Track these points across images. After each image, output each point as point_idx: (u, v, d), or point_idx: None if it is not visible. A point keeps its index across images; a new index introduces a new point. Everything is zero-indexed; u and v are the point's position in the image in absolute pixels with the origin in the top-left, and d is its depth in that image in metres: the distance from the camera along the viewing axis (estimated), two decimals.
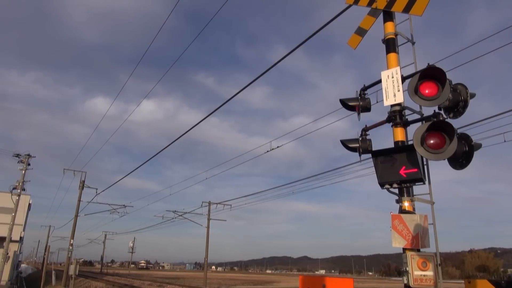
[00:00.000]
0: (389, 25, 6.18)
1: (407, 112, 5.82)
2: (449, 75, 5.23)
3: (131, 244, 71.72)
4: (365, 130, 6.21)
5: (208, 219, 40.68)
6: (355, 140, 6.17)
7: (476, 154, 5.21)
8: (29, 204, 40.29)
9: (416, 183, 5.34)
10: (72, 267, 30.74)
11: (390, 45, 6.05)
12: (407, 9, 5.87)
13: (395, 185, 5.42)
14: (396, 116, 5.67)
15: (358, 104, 6.26)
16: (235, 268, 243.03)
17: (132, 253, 72.36)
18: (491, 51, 8.08)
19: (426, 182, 5.43)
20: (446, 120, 5.24)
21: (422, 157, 5.24)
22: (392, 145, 5.69)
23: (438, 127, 5.02)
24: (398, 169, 5.31)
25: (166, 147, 14.60)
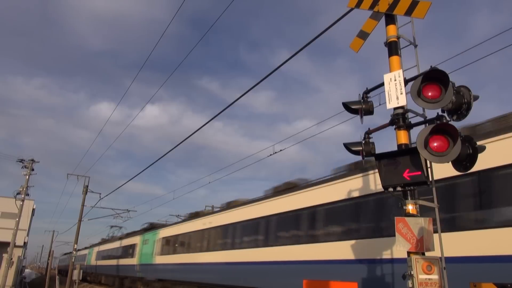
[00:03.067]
0: (391, 28, 6.18)
1: (410, 115, 5.80)
2: (452, 77, 5.23)
3: None
4: (368, 133, 6.20)
5: None
6: (358, 143, 6.16)
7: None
8: (33, 209, 40.40)
9: (420, 186, 5.32)
10: (75, 272, 30.76)
11: (393, 48, 6.05)
12: (409, 12, 5.88)
13: (398, 188, 5.41)
14: (399, 119, 5.66)
15: (361, 107, 6.26)
16: None
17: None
18: (493, 52, 8.06)
19: (430, 185, 5.40)
20: (449, 122, 5.22)
21: (425, 160, 5.22)
22: (395, 148, 5.68)
23: (441, 130, 5.01)
24: (402, 172, 5.29)
25: (169, 151, 14.64)
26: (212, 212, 19.27)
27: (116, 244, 35.16)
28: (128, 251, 30.37)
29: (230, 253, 15.65)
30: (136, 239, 29.09)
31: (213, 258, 16.84)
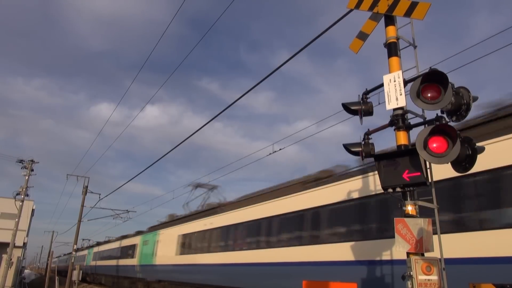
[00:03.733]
0: (391, 29, 6.19)
1: (409, 115, 5.81)
2: (451, 78, 5.24)
3: None
4: (367, 134, 6.21)
5: None
6: (357, 144, 6.17)
7: None
8: (33, 210, 40.39)
9: (419, 187, 5.33)
10: (75, 273, 30.75)
11: (392, 49, 6.06)
12: (408, 13, 5.88)
13: (398, 189, 5.41)
14: (399, 120, 5.67)
15: (360, 108, 6.26)
16: None
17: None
18: (492, 52, 8.06)
19: (430, 185, 5.41)
20: (448, 123, 5.23)
21: (425, 161, 5.23)
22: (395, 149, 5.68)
23: (440, 131, 5.02)
24: (401, 173, 5.30)
25: (169, 151, 14.68)
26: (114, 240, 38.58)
27: (80, 253, 59.06)
28: (83, 258, 53.88)
29: (122, 260, 32.10)
30: (85, 252, 53.29)
31: (115, 263, 33.94)
